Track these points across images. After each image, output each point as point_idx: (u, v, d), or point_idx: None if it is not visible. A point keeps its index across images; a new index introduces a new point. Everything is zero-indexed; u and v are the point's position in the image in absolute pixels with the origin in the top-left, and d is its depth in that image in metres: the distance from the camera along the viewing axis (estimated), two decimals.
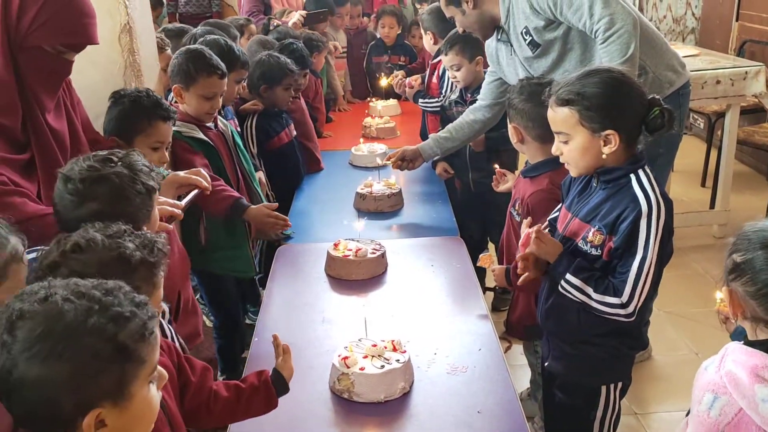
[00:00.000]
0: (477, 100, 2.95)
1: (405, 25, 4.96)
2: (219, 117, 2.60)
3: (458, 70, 3.10)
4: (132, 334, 0.92)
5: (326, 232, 2.66)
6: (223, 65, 2.43)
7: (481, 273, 2.75)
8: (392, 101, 4.47)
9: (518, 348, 2.81)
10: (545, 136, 1.95)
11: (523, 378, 2.67)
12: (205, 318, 2.90)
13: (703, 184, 4.85)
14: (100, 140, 1.98)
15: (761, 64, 3.95)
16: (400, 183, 3.03)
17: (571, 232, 1.77)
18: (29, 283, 1.05)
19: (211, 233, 2.47)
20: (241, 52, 2.73)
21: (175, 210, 1.80)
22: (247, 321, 3.05)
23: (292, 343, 1.58)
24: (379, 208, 2.85)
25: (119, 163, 1.51)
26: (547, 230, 1.83)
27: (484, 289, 2.53)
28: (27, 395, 0.88)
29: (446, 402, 1.68)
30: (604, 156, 1.67)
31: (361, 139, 3.73)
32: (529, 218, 1.86)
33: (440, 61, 3.36)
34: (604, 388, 1.83)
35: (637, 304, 1.64)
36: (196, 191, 2.00)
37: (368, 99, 4.88)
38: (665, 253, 1.67)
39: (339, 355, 1.74)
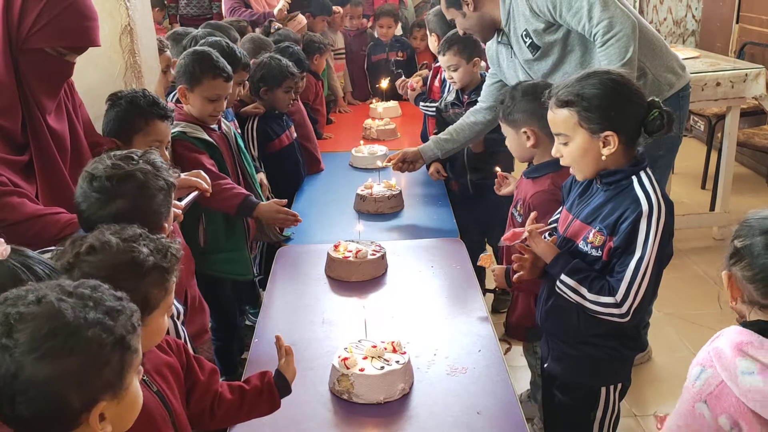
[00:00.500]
0: (474, 101, 2.95)
1: (405, 26, 4.96)
2: (222, 119, 2.60)
3: (455, 70, 3.10)
4: (126, 326, 0.96)
5: (326, 234, 2.67)
6: (229, 68, 2.43)
7: (480, 274, 2.75)
8: (393, 103, 4.47)
9: (518, 349, 2.81)
10: None
11: (523, 379, 2.67)
12: None
13: (703, 186, 4.85)
14: (100, 142, 1.98)
15: (761, 66, 3.95)
16: (400, 184, 3.03)
17: (572, 234, 1.77)
18: (38, 281, 1.07)
19: (210, 235, 2.48)
20: (242, 54, 2.73)
21: (176, 211, 1.81)
22: (247, 322, 3.05)
23: (292, 344, 1.58)
24: (379, 210, 2.86)
25: (141, 161, 1.52)
26: (548, 232, 1.84)
27: (484, 291, 2.53)
28: (35, 396, 0.89)
29: (446, 403, 1.69)
30: (603, 157, 1.67)
31: (362, 141, 3.74)
32: (535, 212, 1.84)
33: None
34: (603, 390, 1.84)
35: (631, 304, 1.64)
36: (195, 192, 2.00)
37: (369, 100, 4.88)
38: (665, 254, 1.67)
39: (339, 356, 1.74)
